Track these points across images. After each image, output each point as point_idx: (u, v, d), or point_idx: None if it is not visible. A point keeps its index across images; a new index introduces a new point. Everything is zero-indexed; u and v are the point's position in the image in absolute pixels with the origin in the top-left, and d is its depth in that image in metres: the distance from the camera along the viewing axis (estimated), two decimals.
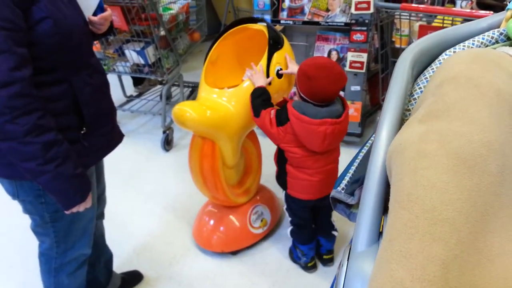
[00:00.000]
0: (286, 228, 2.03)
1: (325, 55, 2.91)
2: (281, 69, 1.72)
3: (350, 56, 2.68)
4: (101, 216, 1.61)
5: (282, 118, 1.54)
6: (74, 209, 1.19)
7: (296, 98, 1.59)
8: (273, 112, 1.58)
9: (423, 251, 0.47)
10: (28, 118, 0.99)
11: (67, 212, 1.19)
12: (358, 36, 2.63)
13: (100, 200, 1.55)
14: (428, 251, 0.47)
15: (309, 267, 1.89)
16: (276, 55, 1.71)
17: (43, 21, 1.04)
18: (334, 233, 1.87)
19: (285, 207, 1.84)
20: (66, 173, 1.10)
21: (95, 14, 1.29)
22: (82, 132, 1.22)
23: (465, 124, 0.59)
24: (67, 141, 1.12)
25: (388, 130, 0.74)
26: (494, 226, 0.52)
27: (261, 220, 2.04)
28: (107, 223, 1.67)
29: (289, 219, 1.86)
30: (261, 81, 1.64)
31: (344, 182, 0.87)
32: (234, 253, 1.99)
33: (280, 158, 1.69)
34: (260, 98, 1.61)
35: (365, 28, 2.59)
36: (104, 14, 1.29)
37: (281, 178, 1.74)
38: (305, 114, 1.46)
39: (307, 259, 1.87)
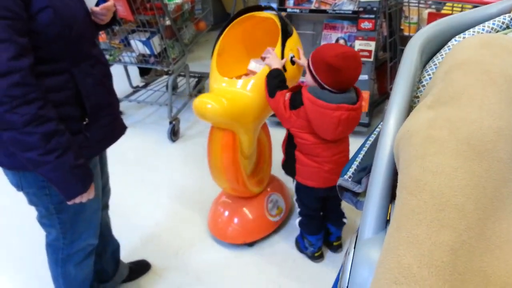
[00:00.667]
0: (293, 218, 2.03)
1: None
2: (294, 56, 1.72)
3: (358, 44, 2.65)
4: (105, 207, 1.62)
5: (296, 101, 1.54)
6: (77, 200, 1.19)
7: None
8: (288, 94, 1.58)
9: (431, 237, 0.46)
10: (28, 108, 0.99)
11: (69, 203, 1.19)
12: (366, 24, 2.60)
13: (104, 191, 1.55)
14: (436, 237, 0.46)
15: (316, 257, 1.89)
16: (288, 43, 1.71)
17: (43, 11, 1.03)
18: (344, 220, 1.87)
19: (295, 198, 1.85)
20: (67, 163, 1.09)
21: (97, 4, 1.28)
22: (84, 123, 1.22)
23: (474, 110, 0.58)
24: (69, 131, 1.12)
25: (396, 117, 0.73)
26: (503, 212, 0.51)
27: (277, 208, 2.05)
28: (113, 213, 1.68)
29: (298, 210, 1.86)
30: (276, 63, 1.65)
31: (351, 170, 0.86)
32: (251, 244, 1.99)
33: (290, 144, 1.69)
34: (277, 79, 1.61)
35: (373, 16, 2.55)
36: (106, 4, 1.28)
37: (289, 165, 1.73)
38: (321, 99, 1.47)
39: (314, 249, 1.87)
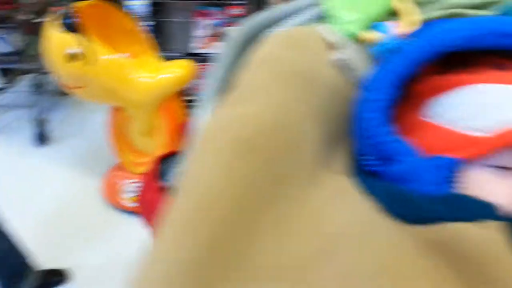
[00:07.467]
0: None
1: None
2: None
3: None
4: None
5: None
6: None
7: None
8: None
9: (169, 252, 0.41)
10: None
11: None
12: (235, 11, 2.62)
13: None
14: (174, 254, 0.41)
15: None
16: None
17: None
18: None
19: None
20: None
21: None
22: None
23: (255, 107, 0.58)
24: None
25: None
26: (271, 215, 0.48)
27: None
28: None
29: None
30: None
31: None
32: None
33: None
34: None
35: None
36: None
37: None
38: None
39: None
